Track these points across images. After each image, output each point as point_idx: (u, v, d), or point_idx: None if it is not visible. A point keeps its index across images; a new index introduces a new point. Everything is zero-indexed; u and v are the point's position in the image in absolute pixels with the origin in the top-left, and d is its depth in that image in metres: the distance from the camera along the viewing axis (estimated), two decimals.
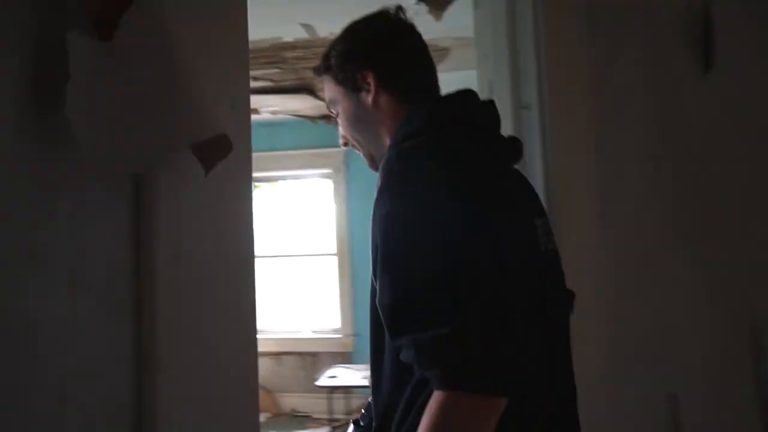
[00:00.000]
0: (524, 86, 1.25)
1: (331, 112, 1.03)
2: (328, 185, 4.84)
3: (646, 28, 1.31)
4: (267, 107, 4.27)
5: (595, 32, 1.31)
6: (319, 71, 1.02)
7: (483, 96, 1.36)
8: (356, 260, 4.61)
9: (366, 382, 3.66)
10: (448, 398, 0.69)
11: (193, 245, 0.56)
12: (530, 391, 0.77)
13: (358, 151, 1.02)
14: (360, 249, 4.62)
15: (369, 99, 0.95)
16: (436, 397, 0.70)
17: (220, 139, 0.53)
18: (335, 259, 4.67)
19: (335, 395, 3.97)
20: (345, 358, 4.47)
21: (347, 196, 4.67)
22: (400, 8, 0.99)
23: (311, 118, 4.63)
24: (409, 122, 0.90)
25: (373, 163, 1.00)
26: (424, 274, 0.74)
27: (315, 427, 4.12)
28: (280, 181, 5.19)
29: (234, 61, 0.60)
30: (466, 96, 0.94)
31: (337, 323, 4.60)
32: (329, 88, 1.00)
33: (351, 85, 0.96)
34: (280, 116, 4.57)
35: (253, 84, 3.66)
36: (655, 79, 1.31)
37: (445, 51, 3.23)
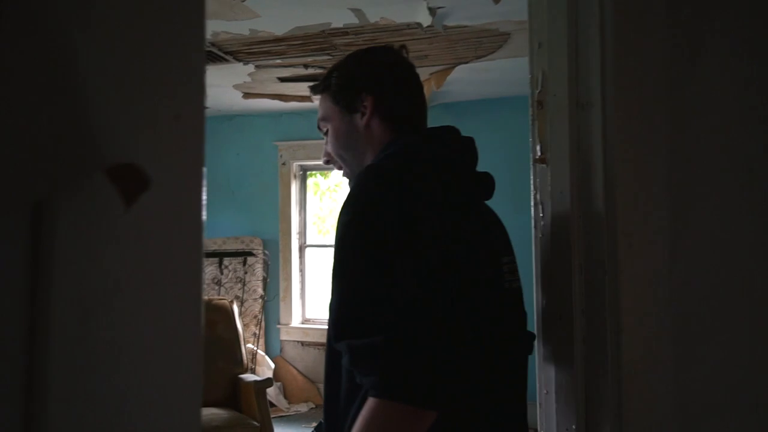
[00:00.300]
0: (585, 80, 1.04)
1: (321, 129, 1.08)
2: None
3: (752, 5, 1.07)
4: None
5: (679, 12, 1.08)
6: (317, 90, 1.07)
7: (534, 92, 1.18)
8: None
9: None
10: (377, 405, 0.73)
11: (112, 297, 0.43)
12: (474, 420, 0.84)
13: (338, 169, 1.08)
14: None
15: (362, 121, 1.01)
16: (367, 404, 0.74)
17: (134, 169, 0.39)
18: None
19: None
20: None
21: None
22: (404, 47, 1.08)
23: None
24: (388, 148, 0.97)
25: (350, 182, 1.06)
26: (368, 285, 0.78)
27: None
28: (334, 171, 5.13)
29: (181, 61, 0.46)
30: (447, 132, 1.01)
31: None
32: (324, 106, 1.06)
33: (347, 106, 1.02)
34: None
35: (303, 72, 3.56)
36: (762, 69, 1.06)
37: (504, 36, 2.99)
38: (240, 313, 3.87)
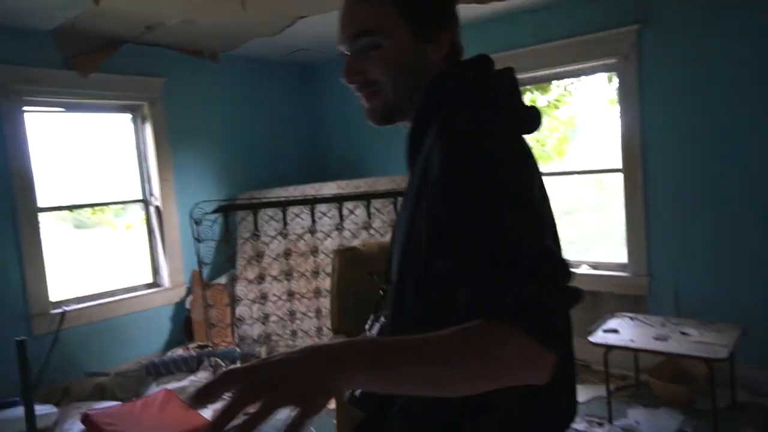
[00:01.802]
0: None
1: (358, 40, 0.89)
2: (612, 81, 3.71)
3: None
4: None
5: None
6: None
7: None
8: (651, 179, 3.48)
9: (660, 346, 2.75)
10: (501, 332, 0.62)
11: None
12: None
13: (367, 96, 0.92)
14: (656, 164, 3.46)
15: (434, 55, 0.91)
16: (480, 325, 0.63)
17: None
18: (621, 176, 3.63)
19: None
20: (637, 303, 3.53)
21: (640, 93, 3.49)
22: None
23: None
24: (447, 85, 0.88)
25: (386, 113, 0.93)
26: (519, 215, 0.70)
27: (593, 382, 3.40)
28: (553, 82, 4.26)
29: None
30: (487, 63, 0.92)
31: (624, 258, 3.64)
32: (377, 13, 0.87)
33: (424, 31, 0.89)
34: None
35: None
36: None
37: None
38: None
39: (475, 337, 0.61)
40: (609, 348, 2.85)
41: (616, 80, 3.61)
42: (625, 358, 3.25)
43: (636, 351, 2.86)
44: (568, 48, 3.73)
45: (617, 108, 3.61)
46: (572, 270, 0.69)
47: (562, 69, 3.88)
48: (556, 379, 0.65)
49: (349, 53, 0.91)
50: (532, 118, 0.92)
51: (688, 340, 2.74)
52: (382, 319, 0.97)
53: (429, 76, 0.88)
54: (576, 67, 3.83)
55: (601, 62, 3.68)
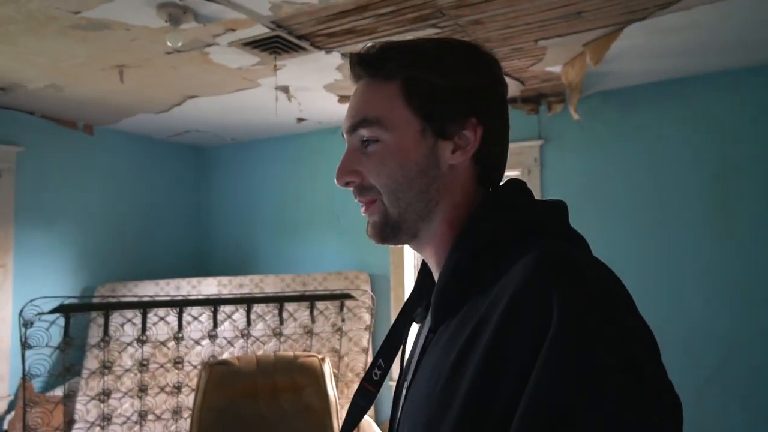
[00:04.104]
0: None
1: (356, 132, 0.72)
2: None
3: None
4: None
5: None
6: (368, 67, 0.73)
7: None
8: None
9: None
10: None
11: None
12: None
13: (366, 205, 0.74)
14: None
15: (453, 157, 0.71)
16: None
17: None
18: None
19: None
20: None
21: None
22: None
23: None
24: (513, 217, 0.71)
25: (385, 230, 0.72)
26: None
27: None
28: None
29: None
30: (527, 190, 0.77)
31: None
32: (381, 98, 0.71)
33: (440, 125, 0.70)
34: None
35: None
36: None
37: None
38: (337, 372, 3.04)
39: None
40: None
41: None
42: None
43: None
44: None
45: None
46: None
47: None
48: None
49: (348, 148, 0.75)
50: None
51: None
52: None
53: (448, 190, 0.71)
54: None
55: (507, 173, 3.62)
